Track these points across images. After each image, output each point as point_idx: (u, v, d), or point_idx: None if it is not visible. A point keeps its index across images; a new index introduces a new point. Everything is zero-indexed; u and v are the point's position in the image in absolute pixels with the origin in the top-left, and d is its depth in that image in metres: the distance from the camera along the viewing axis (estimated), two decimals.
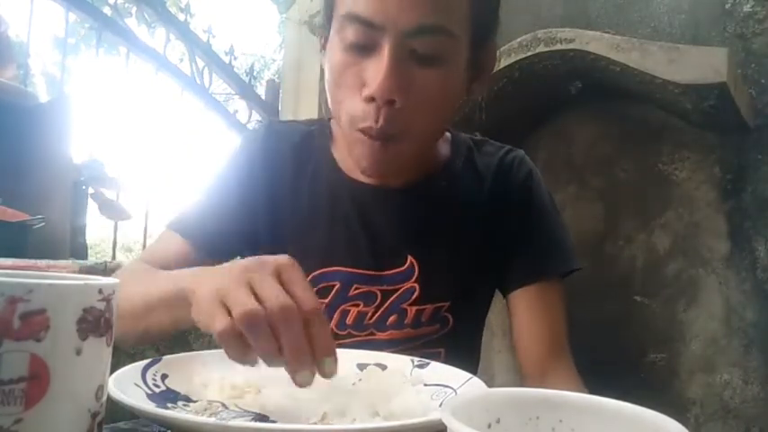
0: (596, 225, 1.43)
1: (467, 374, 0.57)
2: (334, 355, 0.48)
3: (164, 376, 0.55)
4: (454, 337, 0.81)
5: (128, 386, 0.49)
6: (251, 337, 0.46)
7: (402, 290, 0.79)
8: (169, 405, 0.50)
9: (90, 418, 0.33)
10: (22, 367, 0.30)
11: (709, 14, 1.34)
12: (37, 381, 0.30)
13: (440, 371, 0.59)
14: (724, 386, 1.24)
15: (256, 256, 0.51)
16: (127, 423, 0.63)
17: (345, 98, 0.69)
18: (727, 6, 1.32)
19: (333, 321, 0.78)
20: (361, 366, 0.60)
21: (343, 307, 0.78)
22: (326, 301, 0.78)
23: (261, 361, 0.48)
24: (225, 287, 0.48)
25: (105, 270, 1.34)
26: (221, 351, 0.49)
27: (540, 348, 0.81)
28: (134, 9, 2.17)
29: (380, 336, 0.78)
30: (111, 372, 0.40)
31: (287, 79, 2.41)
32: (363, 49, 0.67)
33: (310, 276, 0.79)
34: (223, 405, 0.51)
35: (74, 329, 0.32)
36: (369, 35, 0.66)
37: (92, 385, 0.33)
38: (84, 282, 0.34)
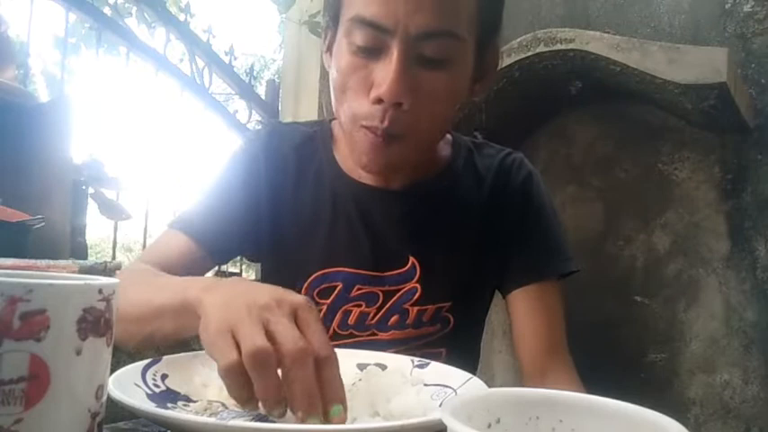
0: (596, 225, 1.43)
1: (467, 374, 0.57)
2: (344, 402, 0.46)
3: (164, 376, 0.55)
4: (455, 336, 0.81)
5: (128, 386, 0.49)
6: (256, 376, 0.44)
7: (404, 290, 0.79)
8: (169, 405, 0.50)
9: (90, 418, 0.33)
10: (22, 367, 0.30)
11: (709, 14, 1.34)
12: (37, 381, 0.30)
13: (440, 371, 0.59)
14: (724, 386, 1.24)
15: (274, 294, 0.49)
16: (127, 423, 0.63)
17: (352, 99, 0.69)
18: (727, 6, 1.32)
19: (335, 321, 0.79)
20: (362, 366, 0.60)
21: (345, 307, 0.79)
22: (329, 301, 0.79)
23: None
24: (238, 320, 0.46)
25: (105, 270, 1.34)
26: None
27: (539, 348, 0.81)
28: (134, 9, 2.17)
29: (382, 336, 0.79)
30: (111, 372, 0.40)
31: (287, 79, 2.41)
32: (371, 52, 0.67)
33: (313, 277, 0.79)
34: (223, 405, 0.51)
35: (74, 329, 0.32)
36: (377, 38, 0.66)
37: (92, 385, 0.33)
38: (84, 282, 0.34)
